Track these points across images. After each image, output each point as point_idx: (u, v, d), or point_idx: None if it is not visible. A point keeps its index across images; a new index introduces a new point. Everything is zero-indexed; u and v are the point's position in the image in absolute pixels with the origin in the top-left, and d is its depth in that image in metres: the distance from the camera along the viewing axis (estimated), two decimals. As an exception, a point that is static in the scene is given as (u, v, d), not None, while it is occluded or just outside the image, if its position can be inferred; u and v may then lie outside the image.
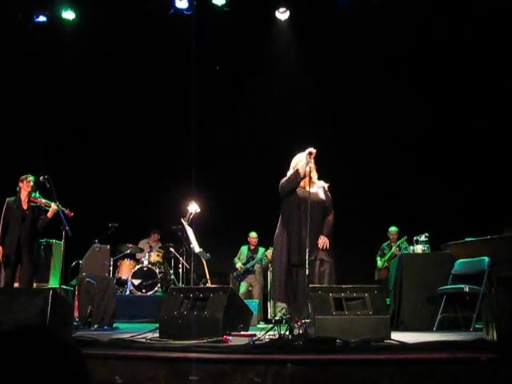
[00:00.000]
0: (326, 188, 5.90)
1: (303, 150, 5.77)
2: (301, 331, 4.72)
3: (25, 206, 7.29)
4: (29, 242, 7.22)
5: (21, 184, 7.31)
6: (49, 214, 7.29)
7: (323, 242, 5.62)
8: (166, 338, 4.86)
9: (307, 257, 5.21)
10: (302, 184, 5.73)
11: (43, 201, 7.36)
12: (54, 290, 4.66)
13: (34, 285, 8.20)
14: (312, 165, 5.63)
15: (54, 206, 7.23)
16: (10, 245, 7.10)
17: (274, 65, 10.48)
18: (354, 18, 9.63)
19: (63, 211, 7.20)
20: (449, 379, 3.33)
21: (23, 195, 7.31)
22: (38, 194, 7.39)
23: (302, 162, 5.66)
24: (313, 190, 5.63)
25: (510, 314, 3.47)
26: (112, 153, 10.66)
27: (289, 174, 5.76)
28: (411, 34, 9.62)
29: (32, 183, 7.30)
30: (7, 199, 7.32)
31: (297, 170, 5.63)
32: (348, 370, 3.46)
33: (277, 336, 4.49)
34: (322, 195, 5.78)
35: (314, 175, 5.79)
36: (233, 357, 3.65)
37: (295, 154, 6.00)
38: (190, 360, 3.60)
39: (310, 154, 5.56)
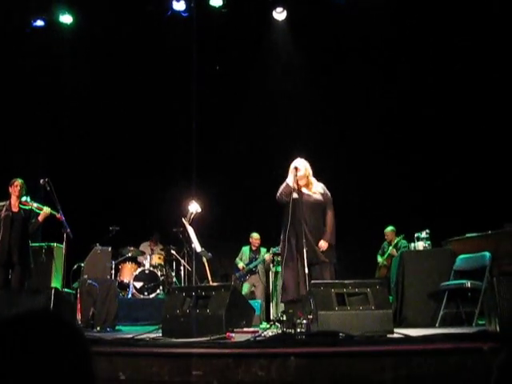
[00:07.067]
0: (323, 188, 6.32)
1: (302, 154, 6.35)
2: (303, 326, 4.72)
3: (15, 210, 7.27)
4: (19, 246, 7.18)
5: (10, 188, 7.31)
6: (40, 218, 7.28)
7: (321, 245, 6.01)
8: (168, 337, 4.87)
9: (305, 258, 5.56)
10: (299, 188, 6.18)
11: (35, 204, 7.34)
12: (57, 288, 4.67)
13: (37, 288, 8.19)
14: (302, 173, 6.12)
15: (45, 210, 7.23)
16: (1, 248, 7.08)
17: (272, 65, 10.49)
18: (351, 17, 9.61)
19: (54, 215, 7.21)
20: (452, 369, 3.33)
21: (13, 199, 7.29)
22: (29, 198, 7.37)
23: (289, 176, 6.14)
24: (309, 193, 6.19)
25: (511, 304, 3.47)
26: (112, 155, 10.66)
27: (281, 187, 6.16)
28: (410, 32, 9.62)
29: (20, 187, 7.28)
30: None
31: (287, 184, 6.10)
32: (351, 362, 3.47)
33: (280, 332, 4.50)
34: (318, 196, 6.21)
35: (312, 181, 6.28)
36: (236, 351, 3.65)
37: (295, 155, 6.38)
38: (193, 355, 3.60)
39: (295, 169, 6.08)
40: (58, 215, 7.25)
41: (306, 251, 5.61)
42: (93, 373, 1.23)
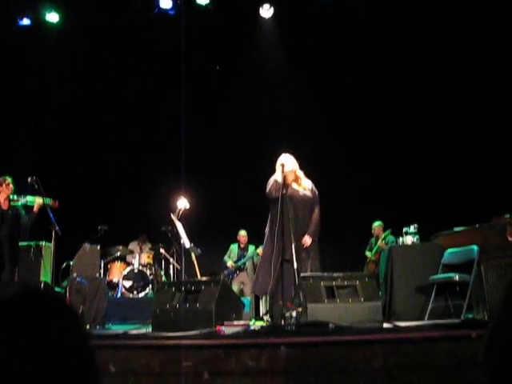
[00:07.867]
0: (311, 186, 6.30)
1: (290, 150, 6.34)
2: (293, 318, 4.73)
3: (4, 208, 7.23)
4: (9, 242, 7.15)
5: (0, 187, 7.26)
6: (35, 209, 7.24)
7: (305, 241, 5.94)
8: (159, 332, 4.85)
9: (293, 252, 5.49)
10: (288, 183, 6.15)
11: (24, 199, 7.30)
12: (46, 282, 4.65)
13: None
14: (290, 168, 6.08)
15: (38, 200, 7.20)
16: None
17: (259, 62, 10.50)
18: (337, 14, 9.66)
19: (48, 204, 7.17)
20: (441, 356, 3.35)
21: (2, 197, 7.24)
22: (16, 195, 7.31)
23: (277, 172, 6.13)
24: (298, 189, 6.16)
25: (499, 291, 3.50)
26: (100, 153, 10.62)
27: (269, 182, 6.16)
28: (395, 30, 9.68)
29: (11, 185, 7.24)
30: None
31: (275, 180, 6.08)
32: (341, 351, 3.48)
33: (270, 324, 4.51)
34: (307, 192, 6.20)
35: (300, 175, 6.25)
36: (226, 342, 3.66)
37: (284, 151, 6.34)
38: (183, 346, 3.60)
39: (282, 165, 6.04)
40: (52, 202, 7.23)
41: (289, 247, 5.61)
42: (93, 354, 1.21)
